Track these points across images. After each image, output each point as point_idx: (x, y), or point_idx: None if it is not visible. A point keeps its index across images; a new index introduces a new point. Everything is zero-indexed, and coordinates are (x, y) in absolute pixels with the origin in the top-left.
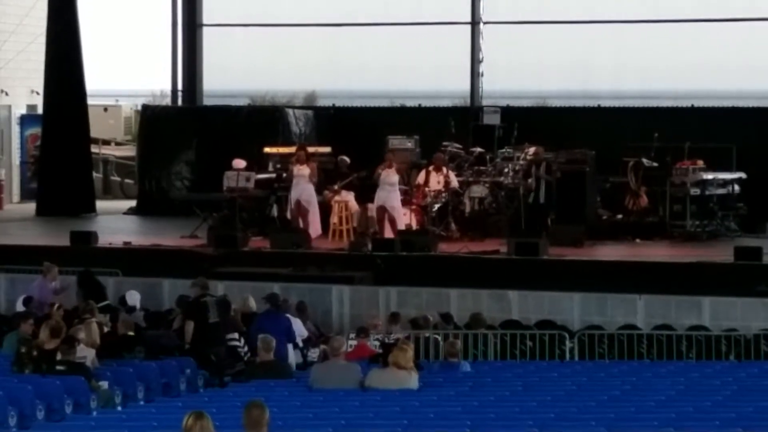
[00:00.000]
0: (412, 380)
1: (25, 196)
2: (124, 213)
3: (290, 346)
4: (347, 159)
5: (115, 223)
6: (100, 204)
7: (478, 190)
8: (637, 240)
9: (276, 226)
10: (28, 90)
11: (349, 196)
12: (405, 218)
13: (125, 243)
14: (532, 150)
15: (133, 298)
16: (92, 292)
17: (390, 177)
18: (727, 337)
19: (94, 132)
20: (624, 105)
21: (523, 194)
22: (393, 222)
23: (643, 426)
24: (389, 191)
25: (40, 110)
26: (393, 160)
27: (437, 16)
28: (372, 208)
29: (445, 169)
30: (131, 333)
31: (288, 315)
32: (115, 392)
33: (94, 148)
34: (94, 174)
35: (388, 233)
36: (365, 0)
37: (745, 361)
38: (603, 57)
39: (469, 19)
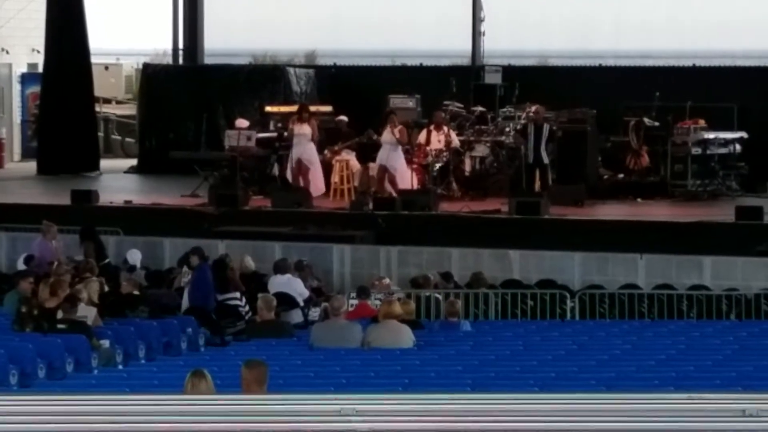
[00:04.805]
0: (407, 332)
1: (26, 154)
2: (125, 172)
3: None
4: (345, 119)
5: (116, 181)
6: (101, 163)
7: (480, 150)
8: (638, 199)
9: (277, 185)
10: (28, 48)
11: (350, 156)
12: (407, 178)
13: (126, 202)
14: (533, 109)
15: (134, 257)
16: (96, 248)
17: (387, 136)
18: (728, 296)
19: (95, 91)
20: (625, 64)
21: (524, 154)
22: (393, 182)
23: (644, 385)
24: (390, 150)
25: (41, 69)
26: (396, 120)
27: None
28: (373, 168)
29: (445, 128)
30: (136, 292)
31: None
32: (116, 351)
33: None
34: None
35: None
36: None
37: (745, 320)
38: (605, 16)
39: None
